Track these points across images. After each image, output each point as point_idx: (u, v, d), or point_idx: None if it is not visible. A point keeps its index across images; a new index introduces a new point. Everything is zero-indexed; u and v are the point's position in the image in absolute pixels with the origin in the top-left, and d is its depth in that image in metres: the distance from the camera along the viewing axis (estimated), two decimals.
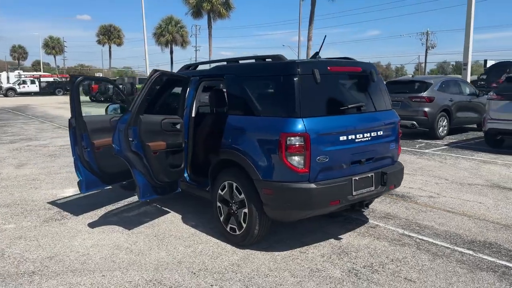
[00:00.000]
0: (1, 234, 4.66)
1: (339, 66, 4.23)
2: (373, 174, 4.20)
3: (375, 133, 4.22)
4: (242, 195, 4.09)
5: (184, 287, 3.44)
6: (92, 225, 4.92)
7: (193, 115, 4.99)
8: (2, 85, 44.49)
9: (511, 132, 9.38)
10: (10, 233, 4.67)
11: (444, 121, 11.76)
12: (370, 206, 5.22)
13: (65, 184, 6.89)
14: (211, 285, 3.47)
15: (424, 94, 11.54)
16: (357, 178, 4.03)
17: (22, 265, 3.86)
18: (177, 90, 5.68)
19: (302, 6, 30.56)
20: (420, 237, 4.48)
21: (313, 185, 3.73)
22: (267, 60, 4.32)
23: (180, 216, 5.19)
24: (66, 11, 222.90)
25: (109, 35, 59.47)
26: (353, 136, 4.00)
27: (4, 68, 56.89)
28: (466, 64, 16.47)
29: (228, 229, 4.31)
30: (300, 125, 3.69)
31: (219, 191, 4.38)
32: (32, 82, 45.14)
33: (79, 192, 6.26)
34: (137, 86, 26.24)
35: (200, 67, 5.57)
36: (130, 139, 4.25)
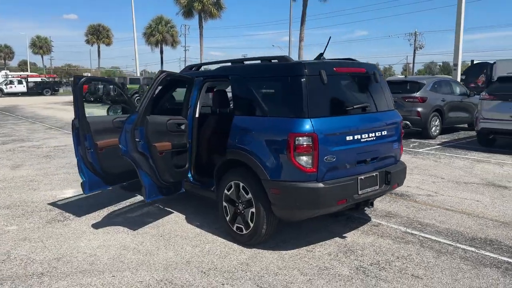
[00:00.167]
0: (4, 235, 4.63)
1: (345, 67, 4.29)
2: (377, 173, 4.27)
3: (380, 133, 4.29)
4: (249, 195, 4.12)
5: (195, 286, 3.47)
6: (96, 226, 4.91)
7: (196, 115, 5.01)
8: None
9: (503, 131, 9.58)
10: (13, 235, 4.64)
11: (436, 121, 11.95)
12: None
13: (64, 185, 6.85)
14: (222, 284, 3.50)
15: (417, 94, 11.71)
16: (362, 178, 4.10)
17: (29, 267, 3.85)
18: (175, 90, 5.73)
19: (292, 6, 30.64)
20: (423, 234, 4.57)
21: (321, 185, 3.79)
22: (272, 61, 4.36)
23: (184, 216, 5.21)
24: (52, 10, 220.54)
25: (98, 34, 58.85)
26: (359, 136, 4.07)
27: None
28: (456, 65, 16.73)
29: (234, 228, 4.34)
30: (308, 125, 3.74)
31: (225, 191, 4.41)
32: (20, 82, 44.53)
33: (79, 193, 6.31)
34: (127, 86, 26.02)
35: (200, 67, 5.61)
36: (137, 139, 4.25)
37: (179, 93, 5.55)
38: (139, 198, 6.02)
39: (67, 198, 6.10)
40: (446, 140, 11.70)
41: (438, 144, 10.93)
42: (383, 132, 4.34)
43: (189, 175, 5.00)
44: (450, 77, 16.25)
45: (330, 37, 4.60)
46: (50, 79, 51.89)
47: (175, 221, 5.05)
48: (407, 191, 6.31)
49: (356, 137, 4.04)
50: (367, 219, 5.06)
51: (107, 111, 5.79)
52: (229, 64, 4.87)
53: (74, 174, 7.56)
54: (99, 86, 31.59)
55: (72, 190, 6.53)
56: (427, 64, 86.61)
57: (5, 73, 50.19)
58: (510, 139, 10.21)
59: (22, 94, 43.66)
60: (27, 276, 3.66)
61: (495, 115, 9.58)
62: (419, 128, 11.77)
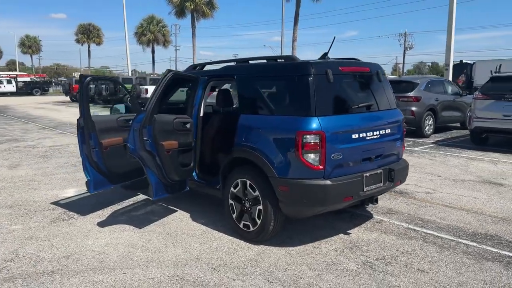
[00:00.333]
0: (10, 234, 4.63)
1: (350, 67, 4.38)
2: (381, 170, 4.36)
3: (383, 131, 4.39)
4: (256, 192, 4.18)
5: (207, 282, 3.52)
6: (101, 224, 4.93)
7: (201, 114, 5.06)
8: None
9: (496, 130, 9.77)
10: (19, 234, 4.64)
11: (430, 120, 12.13)
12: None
13: (64, 184, 6.84)
14: (233, 280, 3.56)
15: (411, 94, 11.88)
16: (367, 175, 4.18)
17: (39, 265, 3.86)
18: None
19: (284, 6, 30.72)
20: (425, 230, 4.67)
21: (328, 182, 3.86)
22: (278, 60, 4.43)
23: (188, 214, 5.25)
24: (40, 9, 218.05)
25: (88, 34, 58.44)
26: (364, 134, 4.16)
27: None
28: (448, 65, 16.97)
29: (241, 226, 4.40)
30: (315, 123, 3.81)
31: (232, 189, 4.46)
32: (9, 82, 43.96)
33: (80, 193, 6.32)
34: (121, 86, 25.82)
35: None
36: (145, 138, 4.29)
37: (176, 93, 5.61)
38: (141, 197, 6.04)
39: (69, 198, 6.10)
40: (439, 139, 11.88)
41: (432, 143, 11.10)
42: (386, 130, 4.43)
43: (194, 173, 5.04)
44: (435, 76, 16.48)
45: (334, 37, 4.69)
46: (40, 79, 51.37)
47: (180, 219, 5.09)
48: (406, 188, 6.43)
49: (361, 135, 4.13)
50: (369, 216, 5.15)
51: (110, 110, 5.80)
52: (234, 63, 4.92)
53: (73, 173, 7.57)
54: (91, 86, 31.42)
55: (73, 189, 6.53)
56: (416, 64, 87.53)
57: None
58: (503, 138, 10.41)
59: (11, 94, 43.12)
60: (38, 274, 3.68)
61: (488, 114, 9.77)
62: (413, 127, 11.93)
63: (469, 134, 11.07)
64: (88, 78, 4.91)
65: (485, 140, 10.53)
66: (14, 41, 71.02)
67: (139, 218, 5.14)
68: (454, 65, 25.28)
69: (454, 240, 4.39)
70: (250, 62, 4.78)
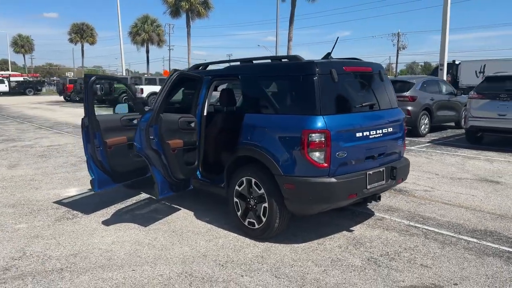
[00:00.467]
0: (15, 233, 4.65)
1: (353, 66, 4.45)
2: (384, 168, 4.44)
3: (386, 129, 4.47)
4: (262, 190, 4.24)
5: (215, 278, 3.58)
6: (106, 223, 4.97)
7: (204, 113, 5.11)
8: None
9: (491, 129, 9.92)
10: (24, 232, 4.67)
11: (425, 119, 12.27)
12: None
13: (65, 184, 6.85)
14: (241, 276, 3.62)
15: (407, 93, 12.00)
16: (371, 173, 4.26)
17: (47, 263, 3.90)
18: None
19: (279, 7, 30.79)
20: (426, 227, 4.77)
21: (333, 179, 3.94)
22: (283, 60, 4.50)
23: (192, 212, 5.30)
24: (32, 8, 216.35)
25: (82, 33, 58.11)
26: (367, 133, 4.24)
27: None
28: (442, 65, 17.14)
29: (246, 223, 4.46)
30: (320, 122, 3.89)
31: (236, 187, 4.52)
32: (1, 81, 43.64)
33: (82, 192, 6.35)
34: (115, 85, 25.78)
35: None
36: (151, 137, 4.34)
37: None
38: (144, 196, 6.08)
39: (71, 197, 6.12)
40: (435, 138, 12.02)
41: (428, 142, 11.23)
42: (389, 129, 4.52)
43: (197, 172, 5.09)
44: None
45: (338, 38, 4.77)
46: (33, 79, 51.00)
47: (184, 217, 5.14)
48: (405, 186, 6.52)
49: (365, 133, 4.21)
50: (370, 214, 5.24)
51: (113, 110, 5.83)
52: (238, 63, 4.98)
53: (74, 173, 7.58)
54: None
55: (75, 188, 6.55)
56: (409, 64, 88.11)
57: None
58: (497, 137, 10.56)
59: (4, 93, 42.80)
60: (47, 272, 3.71)
61: (483, 114, 9.91)
62: (409, 126, 12.01)
63: (464, 133, 11.23)
64: (92, 78, 4.94)
65: (480, 139, 10.68)
66: (6, 40, 70.49)
67: (143, 217, 5.18)
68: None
69: (454, 237, 4.49)
70: (254, 62, 4.84)
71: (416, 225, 4.85)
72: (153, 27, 46.69)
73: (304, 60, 4.30)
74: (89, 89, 4.91)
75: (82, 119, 4.99)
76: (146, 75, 37.51)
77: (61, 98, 35.39)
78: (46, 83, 54.50)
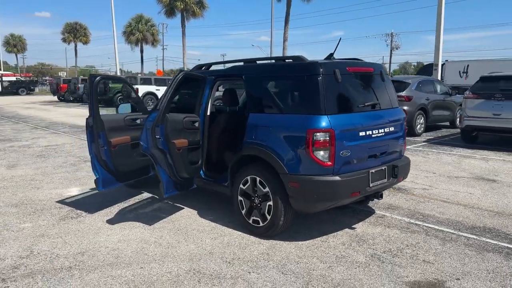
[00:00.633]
0: (21, 232, 4.67)
1: (356, 67, 4.53)
2: (385, 167, 4.53)
3: (388, 129, 4.56)
4: (267, 189, 4.31)
5: (223, 275, 3.64)
6: (111, 221, 5.01)
7: (208, 113, 5.16)
8: None
9: (486, 128, 10.08)
10: (30, 232, 4.69)
11: (421, 119, 12.42)
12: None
13: (67, 184, 6.87)
14: (249, 272, 3.69)
15: (403, 93, 12.12)
16: (373, 171, 4.35)
17: (56, 261, 3.93)
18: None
19: (273, 6, 30.86)
20: (426, 224, 4.87)
21: (337, 178, 4.02)
22: (287, 61, 4.57)
23: (196, 211, 5.35)
24: (24, 8, 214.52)
25: (75, 33, 57.82)
26: (370, 132, 4.32)
27: None
28: (436, 65, 17.32)
29: (251, 221, 4.52)
30: (325, 122, 3.96)
31: (241, 186, 4.58)
32: None
33: (84, 191, 6.38)
34: (110, 85, 25.71)
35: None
36: (157, 136, 4.39)
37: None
38: (146, 195, 6.13)
39: (73, 196, 6.15)
40: (430, 137, 12.17)
41: (424, 141, 11.38)
42: (390, 128, 4.61)
43: (201, 171, 5.14)
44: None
45: (340, 38, 4.84)
46: (26, 79, 50.65)
47: (188, 216, 5.20)
48: (404, 185, 6.63)
49: (367, 132, 4.29)
50: (371, 211, 5.33)
51: (116, 110, 5.87)
52: (241, 63, 5.04)
53: (74, 173, 7.60)
54: (79, 85, 31.20)
55: (77, 188, 6.58)
56: (402, 64, 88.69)
57: None
58: (492, 136, 10.72)
59: None
60: (56, 270, 3.75)
61: (478, 113, 10.07)
62: (405, 126, 12.17)
63: (459, 132, 11.39)
64: (97, 78, 4.97)
65: (475, 138, 10.84)
66: None
67: (147, 215, 5.23)
68: (426, 66, 26.00)
69: (455, 233, 4.59)
70: (258, 62, 4.91)
71: (417, 222, 4.95)
72: (147, 27, 46.59)
73: (308, 60, 4.37)
74: (94, 89, 4.95)
75: (87, 119, 5.02)
76: (140, 75, 37.43)
77: (55, 98, 35.23)
78: (39, 83, 54.11)
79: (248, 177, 4.50)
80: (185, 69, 4.67)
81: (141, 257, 4.01)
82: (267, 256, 4.02)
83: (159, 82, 25.71)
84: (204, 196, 5.87)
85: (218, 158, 5.31)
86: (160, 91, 24.34)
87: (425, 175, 7.40)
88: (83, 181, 6.99)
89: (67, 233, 4.64)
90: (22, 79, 49.13)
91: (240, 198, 4.62)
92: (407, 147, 10.33)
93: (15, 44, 68.84)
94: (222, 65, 5.67)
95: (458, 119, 13.49)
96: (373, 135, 4.36)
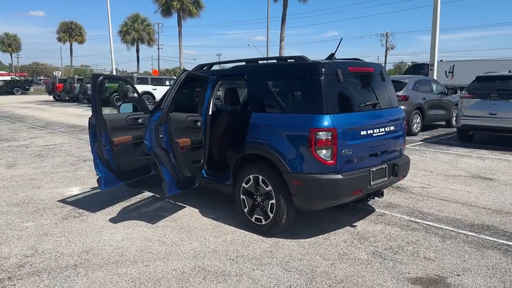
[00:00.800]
0: (24, 231, 4.70)
1: (357, 67, 4.59)
2: (386, 165, 4.60)
3: (388, 128, 4.63)
4: (269, 187, 4.36)
5: (228, 272, 3.69)
6: (113, 220, 5.04)
7: (210, 112, 5.21)
8: None
9: (482, 127, 10.19)
10: (33, 231, 4.72)
11: (418, 118, 12.52)
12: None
13: (67, 183, 6.88)
14: (253, 270, 3.74)
15: (400, 93, 12.19)
16: (374, 170, 4.41)
17: (61, 259, 3.96)
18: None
19: (269, 6, 30.90)
20: (426, 222, 4.94)
21: (340, 176, 4.07)
22: (289, 60, 4.62)
23: (197, 210, 5.39)
24: (18, 7, 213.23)
25: (70, 32, 57.60)
26: (371, 131, 4.39)
27: None
28: (432, 65, 17.44)
29: (253, 219, 4.57)
30: (327, 121, 4.02)
31: (243, 184, 4.63)
32: None
33: (85, 191, 6.41)
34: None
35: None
36: (161, 135, 4.42)
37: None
38: (147, 194, 6.16)
39: (75, 195, 6.17)
40: (427, 136, 12.27)
41: (421, 141, 11.47)
42: (391, 127, 4.67)
43: (203, 170, 5.18)
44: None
45: (341, 39, 4.90)
46: (21, 78, 50.39)
47: (190, 214, 5.24)
48: (402, 183, 6.70)
49: (369, 131, 4.35)
50: (371, 210, 5.40)
51: (118, 109, 5.89)
52: (243, 63, 5.09)
53: (74, 172, 7.61)
54: (75, 85, 31.09)
55: (77, 187, 6.59)
56: (397, 64, 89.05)
57: None
58: (488, 135, 10.84)
59: None
60: (62, 268, 3.78)
61: (474, 113, 10.18)
62: None
63: (455, 131, 11.49)
64: (100, 77, 5.00)
65: (471, 137, 10.95)
66: None
67: (149, 214, 5.27)
68: (412, 66, 26.30)
69: (454, 231, 4.67)
70: (260, 62, 4.96)
71: (416, 220, 5.02)
72: (143, 26, 46.49)
73: (310, 60, 4.43)
74: (97, 88, 4.98)
75: (89, 118, 5.05)
76: (135, 74, 37.36)
77: (50, 97, 35.08)
78: (34, 83, 53.85)
79: (251, 176, 4.55)
80: (182, 69, 4.71)
81: (145, 255, 4.05)
82: (270, 254, 4.07)
83: (155, 81, 25.69)
84: (206, 195, 5.92)
85: (220, 157, 5.35)
86: (157, 90, 24.32)
87: (423, 173, 7.48)
88: (83, 180, 7.01)
89: (71, 232, 4.67)
90: (17, 78, 48.86)
91: (242, 196, 4.67)
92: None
93: (9, 43, 68.45)
94: (221, 65, 5.71)
95: (454, 118, 13.63)
96: (374, 134, 4.42)
